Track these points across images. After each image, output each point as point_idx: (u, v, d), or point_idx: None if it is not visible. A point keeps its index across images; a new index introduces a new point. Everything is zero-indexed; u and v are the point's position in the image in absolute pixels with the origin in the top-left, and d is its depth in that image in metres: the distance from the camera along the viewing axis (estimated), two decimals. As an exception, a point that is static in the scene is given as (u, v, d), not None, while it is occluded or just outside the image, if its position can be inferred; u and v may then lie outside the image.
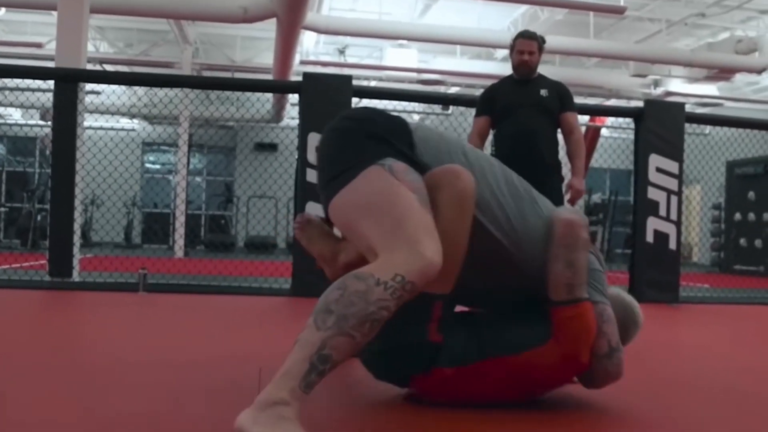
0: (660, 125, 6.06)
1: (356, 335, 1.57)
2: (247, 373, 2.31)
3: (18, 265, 7.20)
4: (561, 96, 4.51)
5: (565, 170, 4.56)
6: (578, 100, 16.47)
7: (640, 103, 6.38)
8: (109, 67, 15.69)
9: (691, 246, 18.08)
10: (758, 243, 12.61)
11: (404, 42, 13.65)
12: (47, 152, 16.45)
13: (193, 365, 2.49)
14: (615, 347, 2.01)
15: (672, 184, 6.05)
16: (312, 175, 5.36)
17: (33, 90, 6.15)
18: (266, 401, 1.53)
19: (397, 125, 1.99)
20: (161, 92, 6.43)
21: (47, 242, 5.73)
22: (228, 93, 15.58)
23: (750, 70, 13.16)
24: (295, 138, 5.78)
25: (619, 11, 11.30)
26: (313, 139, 5.39)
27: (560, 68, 15.47)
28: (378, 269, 1.64)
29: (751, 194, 12.90)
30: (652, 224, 6.02)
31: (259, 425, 1.50)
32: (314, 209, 5.06)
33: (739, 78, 15.50)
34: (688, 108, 6.41)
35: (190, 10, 10.66)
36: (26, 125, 15.05)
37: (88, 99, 6.72)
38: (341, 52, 15.71)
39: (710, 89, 16.06)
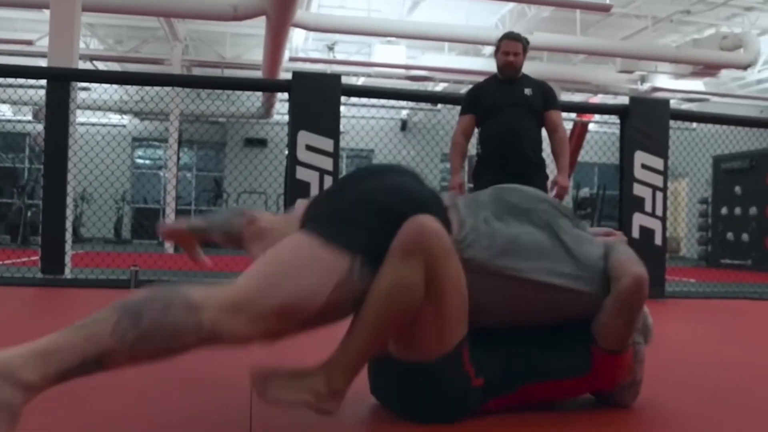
0: (645, 122, 6.11)
1: (143, 359, 1.44)
2: (236, 368, 2.35)
3: (10, 261, 7.23)
4: (545, 95, 4.61)
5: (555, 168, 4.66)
6: (565, 96, 16.50)
7: (627, 99, 6.43)
8: (99, 64, 15.70)
9: (678, 240, 18.19)
10: (745, 237, 12.70)
11: (393, 39, 13.72)
12: (37, 149, 16.48)
13: (183, 361, 2.54)
14: (637, 381, 2.06)
15: (657, 180, 6.10)
16: (301, 173, 5.44)
17: (24, 87, 6.16)
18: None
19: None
20: (151, 89, 6.47)
21: (37, 238, 5.77)
22: (218, 90, 15.63)
23: (735, 66, 13.24)
24: (284, 134, 5.85)
25: (604, 9, 11.37)
26: (303, 137, 5.48)
27: (548, 64, 15.55)
28: (211, 299, 1.48)
29: (738, 189, 12.99)
30: (638, 220, 6.07)
31: None
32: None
33: (726, 74, 15.57)
34: (674, 103, 6.50)
35: (180, 8, 10.69)
36: (18, 122, 15.03)
37: (79, 95, 6.74)
38: (330, 48, 15.76)
39: (697, 85, 16.16)
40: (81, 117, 16.07)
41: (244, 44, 15.85)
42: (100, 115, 17.61)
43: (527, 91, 4.56)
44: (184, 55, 14.90)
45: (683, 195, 18.66)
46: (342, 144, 6.22)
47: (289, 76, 5.71)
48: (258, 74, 13.95)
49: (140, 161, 19.42)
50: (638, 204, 6.09)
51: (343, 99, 5.76)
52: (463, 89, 11.45)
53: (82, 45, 14.24)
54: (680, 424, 1.97)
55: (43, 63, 12.59)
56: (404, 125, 19.41)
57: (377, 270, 1.68)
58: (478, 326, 1.86)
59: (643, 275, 1.90)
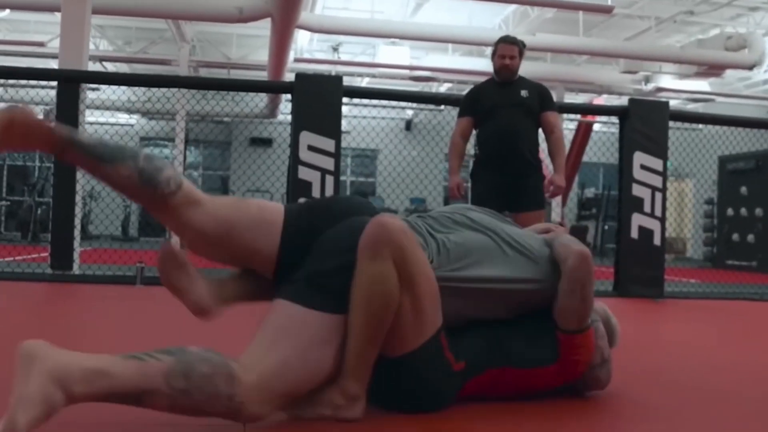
0: (644, 123, 6.14)
1: (175, 408, 1.56)
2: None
3: (21, 257, 7.37)
4: (541, 96, 4.70)
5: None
6: (569, 96, 16.46)
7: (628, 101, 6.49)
8: (108, 65, 15.86)
9: (684, 241, 18.10)
10: (751, 238, 12.60)
11: (397, 40, 13.81)
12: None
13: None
14: (607, 358, 2.16)
15: (656, 181, 6.13)
16: (303, 173, 5.56)
17: (36, 88, 6.29)
18: (59, 377, 1.42)
19: None
20: (159, 89, 6.59)
21: (47, 235, 5.88)
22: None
23: (740, 67, 13.21)
24: (289, 134, 5.96)
25: (606, 10, 11.40)
26: (305, 137, 5.59)
27: (551, 65, 15.58)
28: (247, 380, 1.61)
29: (744, 189, 12.90)
30: (637, 220, 6.09)
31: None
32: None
33: (731, 74, 15.48)
34: (679, 103, 6.52)
35: (187, 10, 10.84)
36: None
37: (89, 96, 6.87)
38: (335, 49, 15.86)
39: (701, 85, 16.13)
40: (90, 116, 16.19)
41: (250, 45, 15.97)
42: (108, 115, 17.75)
43: (524, 93, 4.64)
44: (191, 55, 15.04)
45: (689, 195, 18.54)
46: (347, 144, 6.31)
47: (293, 76, 5.81)
48: (264, 75, 14.05)
49: (148, 160, 19.47)
50: (637, 204, 6.12)
51: (347, 99, 5.83)
52: (467, 90, 11.50)
53: (92, 46, 14.38)
54: (659, 423, 2.00)
55: (54, 64, 12.75)
56: (409, 125, 19.49)
57: None
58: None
59: (585, 251, 2.03)
